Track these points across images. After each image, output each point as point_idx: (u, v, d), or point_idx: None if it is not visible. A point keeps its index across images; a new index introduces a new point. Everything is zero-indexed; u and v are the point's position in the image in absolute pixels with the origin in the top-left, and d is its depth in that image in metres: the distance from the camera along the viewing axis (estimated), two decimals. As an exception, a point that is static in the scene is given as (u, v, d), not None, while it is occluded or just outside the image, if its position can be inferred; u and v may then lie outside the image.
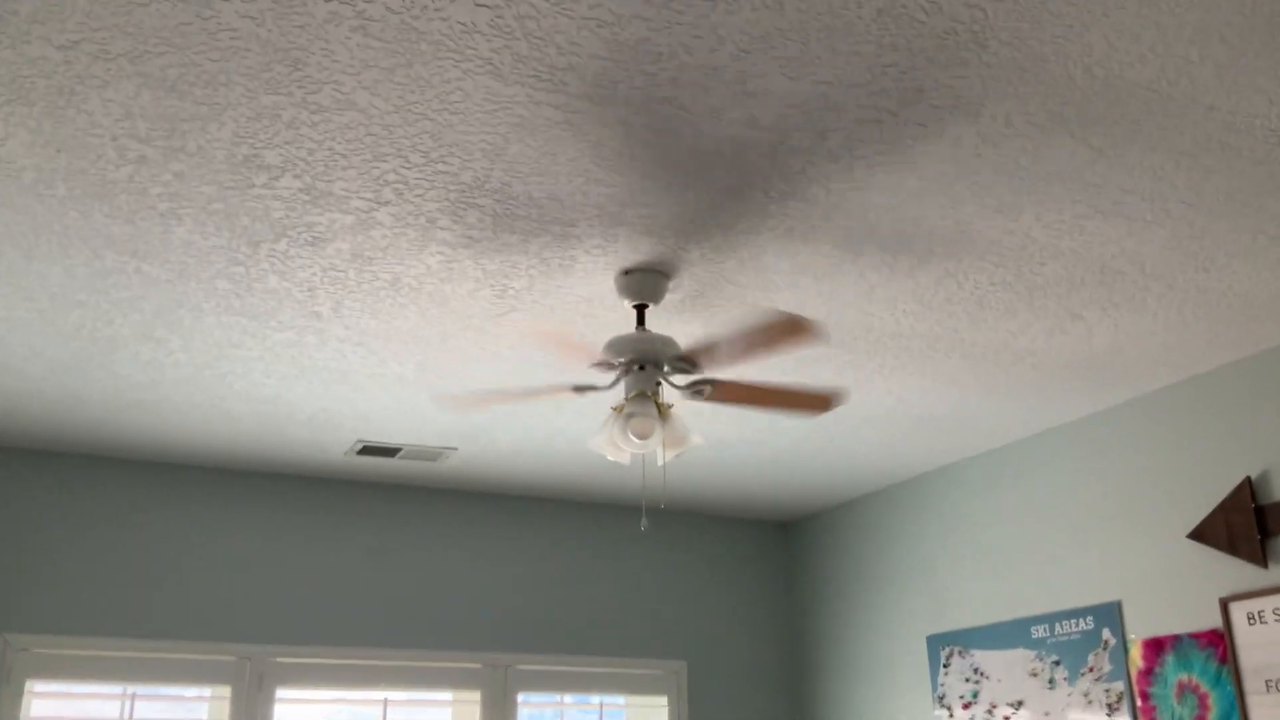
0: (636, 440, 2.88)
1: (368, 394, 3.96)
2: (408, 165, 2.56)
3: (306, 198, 2.69)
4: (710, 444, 4.58)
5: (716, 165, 2.59)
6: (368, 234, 2.87)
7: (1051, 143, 2.53)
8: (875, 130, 2.46)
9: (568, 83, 2.28)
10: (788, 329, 2.75)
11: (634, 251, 2.98)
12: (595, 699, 5.16)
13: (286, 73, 2.23)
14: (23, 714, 4.16)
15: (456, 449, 4.56)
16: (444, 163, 2.55)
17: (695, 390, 3.00)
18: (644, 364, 2.97)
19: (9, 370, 3.69)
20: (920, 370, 3.84)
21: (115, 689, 4.34)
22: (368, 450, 4.54)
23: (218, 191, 2.66)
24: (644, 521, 3.95)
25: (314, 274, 3.08)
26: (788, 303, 3.31)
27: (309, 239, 2.88)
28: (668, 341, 2.97)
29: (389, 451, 4.56)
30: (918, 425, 4.41)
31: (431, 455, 4.61)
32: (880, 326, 3.48)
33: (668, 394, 3.10)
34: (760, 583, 5.74)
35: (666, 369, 3.00)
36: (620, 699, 5.21)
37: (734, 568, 5.69)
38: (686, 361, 2.98)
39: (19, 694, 4.15)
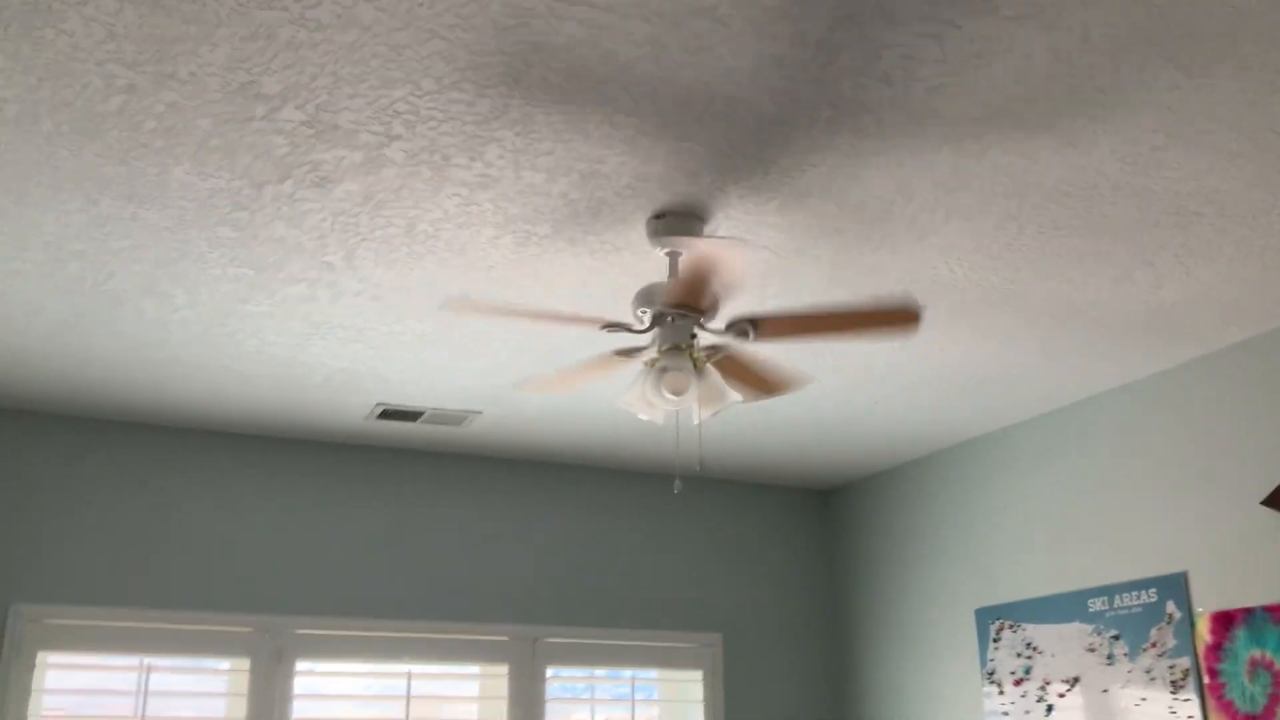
0: (671, 397, 2.65)
1: (386, 353, 3.76)
2: (419, 93, 2.33)
3: (310, 131, 2.47)
4: (748, 405, 4.35)
5: (756, 89, 2.34)
6: (378, 173, 2.65)
7: (1133, 60, 2.26)
8: (936, 46, 2.21)
9: (593, -8, 2.04)
10: (893, 319, 2.55)
11: (666, 193, 2.75)
12: (627, 673, 4.97)
13: (281, -17, 2.01)
14: (35, 686, 4.02)
15: (481, 413, 4.36)
16: (458, 89, 2.33)
17: (738, 332, 2.77)
18: (676, 315, 2.74)
19: (12, 328, 3.52)
20: (974, 325, 3.59)
21: (131, 660, 4.19)
22: (388, 414, 4.34)
23: (214, 125, 2.44)
24: (677, 483, 3.74)
25: (323, 219, 2.87)
26: (832, 247, 3.07)
27: (315, 179, 2.67)
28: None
29: (410, 415, 4.36)
30: (970, 386, 4.16)
31: (455, 419, 4.42)
32: (933, 276, 3.23)
33: (710, 342, 2.88)
34: (799, 553, 5.52)
35: (703, 319, 2.76)
36: (653, 673, 5.02)
37: (771, 537, 5.46)
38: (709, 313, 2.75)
39: (30, 666, 4.00)
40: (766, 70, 2.28)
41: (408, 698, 4.47)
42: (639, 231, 2.94)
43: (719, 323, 2.92)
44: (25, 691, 3.98)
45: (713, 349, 2.82)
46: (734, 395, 2.80)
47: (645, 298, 2.75)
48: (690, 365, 2.66)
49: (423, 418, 4.39)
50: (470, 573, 4.76)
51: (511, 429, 4.58)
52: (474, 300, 2.97)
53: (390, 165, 2.61)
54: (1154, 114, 2.45)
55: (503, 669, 4.69)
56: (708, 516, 5.33)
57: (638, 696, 4.97)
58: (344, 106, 2.38)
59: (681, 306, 2.69)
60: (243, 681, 4.29)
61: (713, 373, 2.73)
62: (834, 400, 4.28)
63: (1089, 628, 4.17)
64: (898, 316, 2.72)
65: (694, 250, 2.49)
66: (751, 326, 2.76)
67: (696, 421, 2.80)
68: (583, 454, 4.97)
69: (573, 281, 3.24)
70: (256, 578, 4.42)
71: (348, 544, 4.60)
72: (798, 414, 4.44)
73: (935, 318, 3.53)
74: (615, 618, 4.97)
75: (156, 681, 4.18)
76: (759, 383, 3.02)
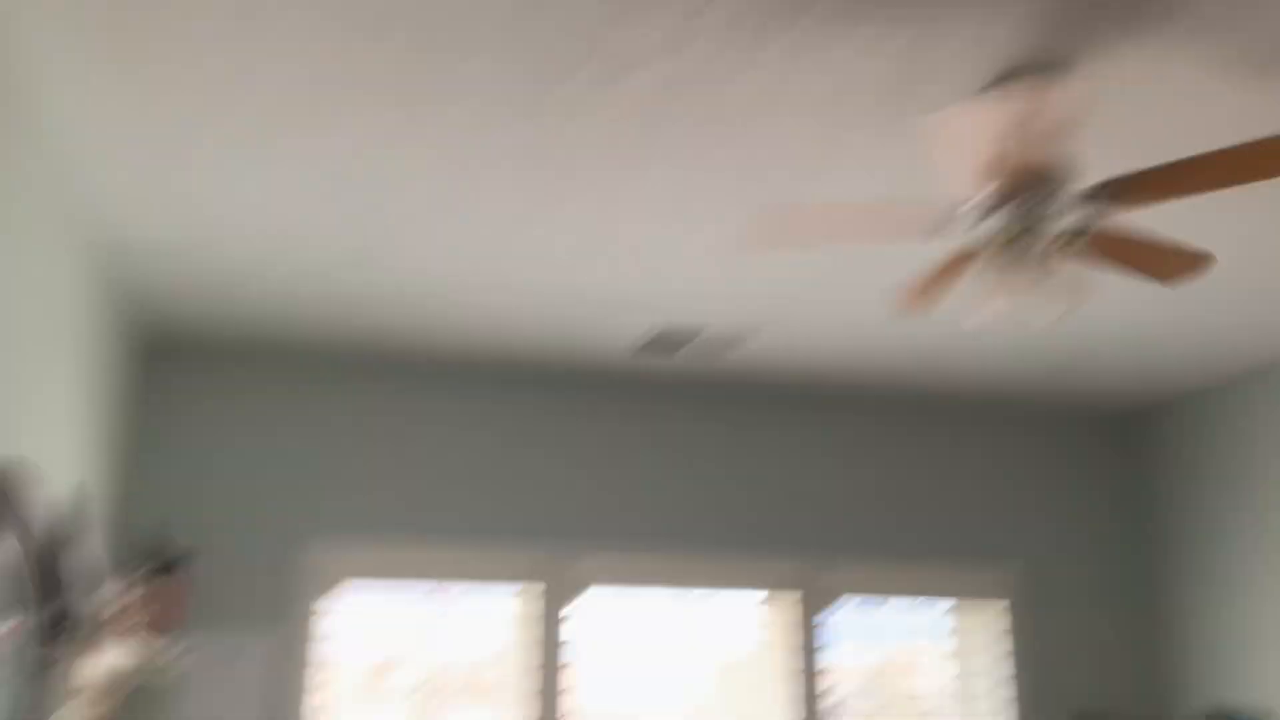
0: (1027, 290, 2.29)
1: (665, 271, 3.54)
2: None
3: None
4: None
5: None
6: (678, 55, 2.38)
7: None
8: None
9: None
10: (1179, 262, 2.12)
11: (1014, 44, 2.36)
12: (917, 601, 4.68)
13: None
14: (332, 613, 4.09)
15: (758, 331, 4.09)
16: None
17: (1101, 200, 2.34)
18: (1023, 189, 2.36)
19: (301, 266, 3.50)
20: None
21: (423, 586, 4.23)
22: (661, 339, 4.14)
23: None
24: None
25: (616, 114, 2.64)
26: (1192, 124, 2.60)
27: (612, 69, 2.43)
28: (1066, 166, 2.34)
29: (684, 339, 4.14)
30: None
31: (730, 341, 4.16)
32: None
33: (1069, 222, 2.49)
34: (1104, 482, 5.00)
35: (1053, 192, 2.37)
36: (949, 600, 4.69)
37: (1069, 465, 4.98)
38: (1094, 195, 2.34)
39: (328, 591, 4.08)
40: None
41: (686, 625, 4.33)
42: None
43: (1070, 195, 2.51)
44: (306, 632, 4.05)
45: (1072, 230, 2.42)
46: (1090, 288, 2.41)
47: (987, 169, 2.38)
48: (1049, 253, 2.29)
49: (696, 340, 4.16)
50: (753, 503, 4.56)
51: (785, 352, 4.29)
52: (779, 223, 2.63)
53: (692, 43, 2.34)
54: None
55: (795, 595, 4.47)
56: (998, 443, 4.90)
57: (926, 631, 4.68)
58: (650, -24, 2.12)
59: (1028, 175, 2.30)
60: (533, 605, 4.25)
61: (1073, 260, 2.35)
62: (1169, 305, 3.76)
63: None
64: (1190, 261, 2.28)
65: (1039, 100, 2.10)
66: (1116, 192, 2.34)
67: (1052, 319, 2.43)
68: (861, 378, 4.61)
69: (890, 171, 2.90)
70: (539, 510, 4.36)
71: (630, 477, 4.48)
72: (1117, 320, 3.94)
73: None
74: (900, 549, 4.66)
75: (446, 609, 4.21)
76: (1157, 261, 2.55)
